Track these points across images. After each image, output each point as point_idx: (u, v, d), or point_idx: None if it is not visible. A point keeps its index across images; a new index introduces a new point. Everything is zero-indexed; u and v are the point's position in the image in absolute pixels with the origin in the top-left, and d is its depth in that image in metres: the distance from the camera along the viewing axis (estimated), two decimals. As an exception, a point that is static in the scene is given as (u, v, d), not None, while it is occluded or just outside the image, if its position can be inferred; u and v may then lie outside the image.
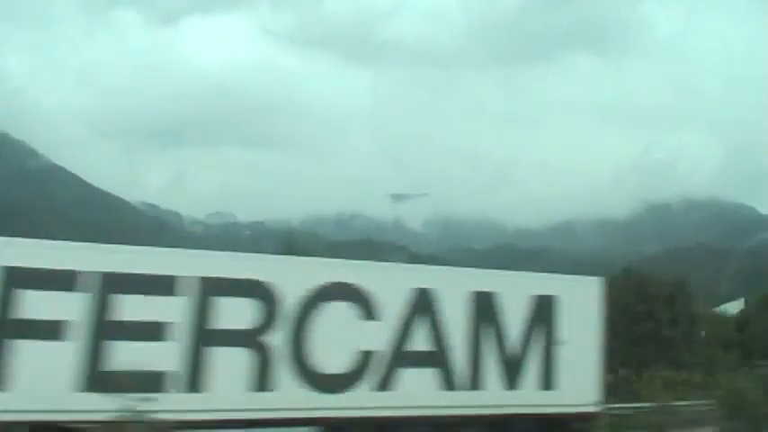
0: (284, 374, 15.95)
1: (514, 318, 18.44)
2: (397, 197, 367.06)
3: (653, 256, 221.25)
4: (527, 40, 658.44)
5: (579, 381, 18.81)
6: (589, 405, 18.86)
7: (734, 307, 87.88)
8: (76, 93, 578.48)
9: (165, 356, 14.83)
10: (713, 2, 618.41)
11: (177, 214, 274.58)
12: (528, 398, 18.28)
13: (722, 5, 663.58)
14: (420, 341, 17.40)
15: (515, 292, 18.69)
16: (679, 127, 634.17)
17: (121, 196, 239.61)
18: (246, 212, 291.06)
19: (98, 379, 14.00)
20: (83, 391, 14.10)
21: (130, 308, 14.69)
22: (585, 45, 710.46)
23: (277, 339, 16.00)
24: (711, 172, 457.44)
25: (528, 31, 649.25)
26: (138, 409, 11.34)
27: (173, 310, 15.14)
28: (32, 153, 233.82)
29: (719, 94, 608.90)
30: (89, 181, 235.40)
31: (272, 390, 15.80)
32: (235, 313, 15.68)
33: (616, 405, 24.49)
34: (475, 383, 17.85)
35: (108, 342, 14.45)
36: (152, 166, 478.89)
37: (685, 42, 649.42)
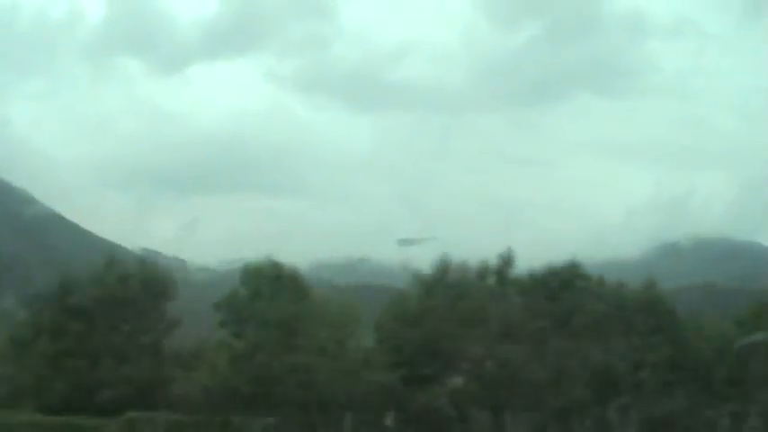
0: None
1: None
2: (406, 241, 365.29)
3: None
4: (534, 80, 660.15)
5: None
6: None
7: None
8: (81, 142, 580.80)
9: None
10: (721, 38, 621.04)
11: (182, 261, 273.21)
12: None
13: (730, 41, 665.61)
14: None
15: None
16: (691, 165, 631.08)
17: (122, 243, 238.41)
18: (257, 259, 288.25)
19: None
20: None
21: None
22: (593, 84, 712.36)
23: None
24: (723, 209, 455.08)
25: (534, 71, 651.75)
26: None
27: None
28: (31, 201, 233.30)
29: (730, 130, 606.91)
30: (88, 228, 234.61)
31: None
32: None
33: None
34: None
35: None
36: (160, 216, 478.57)
37: (694, 80, 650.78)
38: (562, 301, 64.73)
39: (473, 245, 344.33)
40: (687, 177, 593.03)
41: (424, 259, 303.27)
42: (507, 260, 65.22)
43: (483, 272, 64.01)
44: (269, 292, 58.02)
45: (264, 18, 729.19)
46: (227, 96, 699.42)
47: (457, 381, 64.66)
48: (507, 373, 59.01)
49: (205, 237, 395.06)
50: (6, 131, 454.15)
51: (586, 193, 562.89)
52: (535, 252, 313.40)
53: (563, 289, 66.30)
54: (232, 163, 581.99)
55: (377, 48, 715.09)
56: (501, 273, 64.48)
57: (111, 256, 72.36)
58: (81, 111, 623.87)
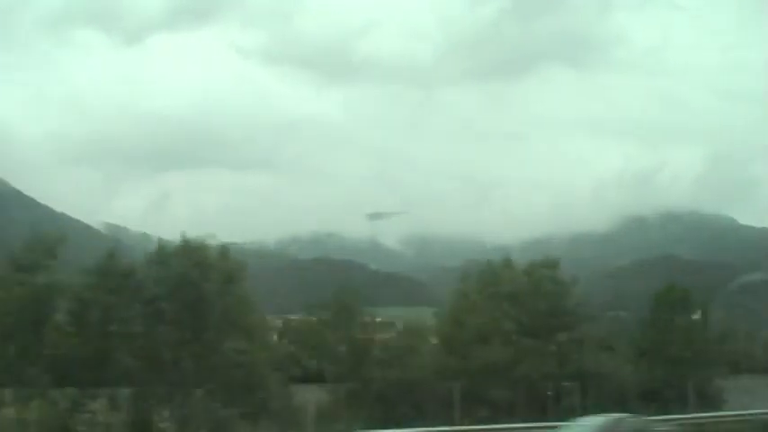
0: None
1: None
2: (375, 216, 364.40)
3: (620, 269, 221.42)
4: (504, 54, 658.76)
5: None
6: None
7: None
8: (44, 116, 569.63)
9: None
10: (690, 14, 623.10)
11: (147, 236, 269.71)
12: None
13: (699, 18, 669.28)
14: None
15: None
16: (660, 139, 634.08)
17: (82, 219, 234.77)
18: (224, 234, 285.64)
19: None
20: None
21: None
22: (563, 58, 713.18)
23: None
24: (691, 183, 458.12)
25: (504, 45, 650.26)
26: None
27: None
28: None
29: (700, 105, 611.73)
30: (46, 204, 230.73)
31: None
32: None
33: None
34: None
35: None
36: (128, 192, 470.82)
37: (664, 54, 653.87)
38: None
39: (444, 220, 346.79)
40: (656, 151, 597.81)
41: (391, 234, 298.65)
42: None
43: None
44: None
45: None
46: (192, 68, 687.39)
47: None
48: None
49: (174, 212, 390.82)
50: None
51: (556, 167, 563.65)
52: (503, 228, 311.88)
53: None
54: (201, 138, 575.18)
55: (345, 21, 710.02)
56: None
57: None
58: (42, 84, 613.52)
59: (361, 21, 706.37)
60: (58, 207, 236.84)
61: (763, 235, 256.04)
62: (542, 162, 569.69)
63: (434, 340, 41.33)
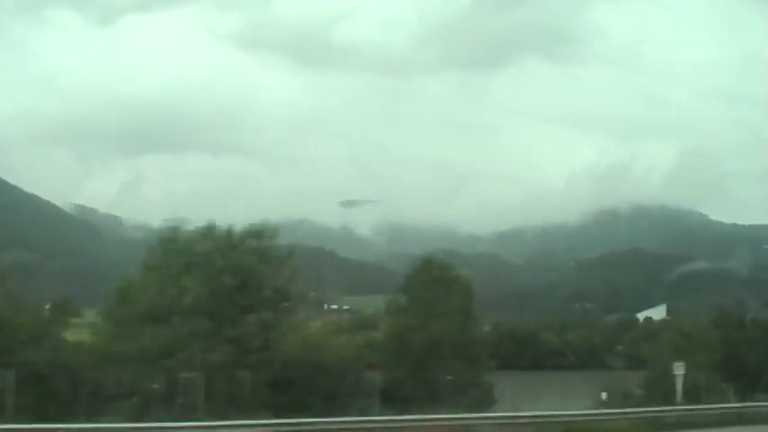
0: None
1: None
2: (348, 203, 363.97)
3: (589, 261, 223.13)
4: (481, 44, 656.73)
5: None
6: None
7: (656, 313, 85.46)
8: (16, 96, 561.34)
9: None
10: (669, 9, 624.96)
11: (117, 219, 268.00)
12: None
13: (679, 13, 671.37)
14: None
15: None
16: (633, 133, 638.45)
17: (51, 200, 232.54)
18: (197, 218, 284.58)
19: None
20: None
21: None
22: (539, 50, 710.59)
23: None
24: (664, 178, 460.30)
25: (480, 35, 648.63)
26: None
27: None
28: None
29: (675, 100, 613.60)
30: (14, 183, 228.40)
31: None
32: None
33: None
34: None
35: None
36: (101, 174, 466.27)
37: (640, 49, 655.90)
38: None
39: (417, 209, 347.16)
40: (629, 146, 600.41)
41: (364, 222, 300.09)
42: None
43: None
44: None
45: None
46: (166, 51, 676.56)
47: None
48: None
49: (147, 195, 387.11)
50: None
51: (529, 159, 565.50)
52: (477, 218, 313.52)
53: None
54: (175, 121, 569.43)
55: (323, 7, 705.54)
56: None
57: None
58: (15, 64, 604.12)
59: (339, 7, 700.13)
60: (28, 188, 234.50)
61: (732, 231, 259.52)
62: (517, 154, 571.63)
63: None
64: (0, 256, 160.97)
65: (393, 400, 30.76)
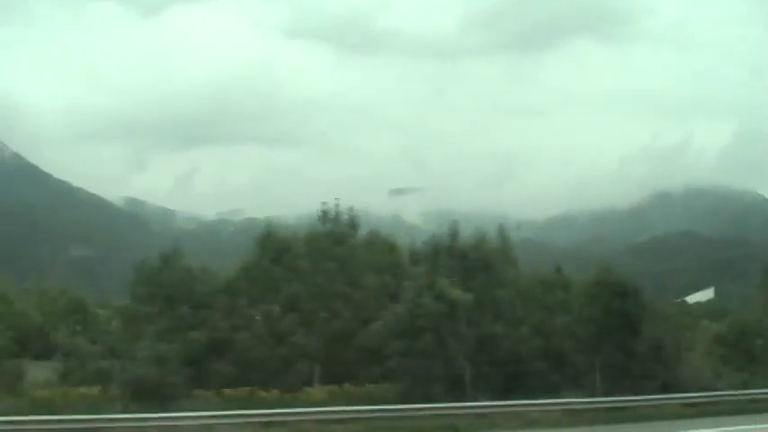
0: None
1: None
2: (397, 191, 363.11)
3: (639, 245, 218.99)
4: (528, 27, 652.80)
5: None
6: None
7: (703, 296, 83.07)
8: (62, 91, 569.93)
9: None
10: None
11: (168, 211, 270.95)
12: None
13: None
14: None
15: None
16: (687, 114, 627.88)
17: (99, 194, 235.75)
18: (250, 210, 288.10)
19: None
20: None
21: None
22: (590, 31, 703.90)
23: None
24: (719, 158, 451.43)
25: (528, 17, 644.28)
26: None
27: None
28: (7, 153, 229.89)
29: (729, 79, 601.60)
30: (63, 179, 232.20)
31: None
32: None
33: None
34: None
35: None
36: (154, 167, 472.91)
37: (692, 27, 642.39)
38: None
39: (466, 195, 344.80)
40: (683, 126, 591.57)
41: (414, 209, 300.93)
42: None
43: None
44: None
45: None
46: (210, 42, 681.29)
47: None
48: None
49: (198, 188, 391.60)
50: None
51: (580, 143, 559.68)
52: (527, 203, 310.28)
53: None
54: (223, 113, 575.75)
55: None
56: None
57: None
58: (60, 59, 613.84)
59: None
60: (76, 182, 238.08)
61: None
62: (568, 137, 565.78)
63: None
64: (62, 251, 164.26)
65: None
